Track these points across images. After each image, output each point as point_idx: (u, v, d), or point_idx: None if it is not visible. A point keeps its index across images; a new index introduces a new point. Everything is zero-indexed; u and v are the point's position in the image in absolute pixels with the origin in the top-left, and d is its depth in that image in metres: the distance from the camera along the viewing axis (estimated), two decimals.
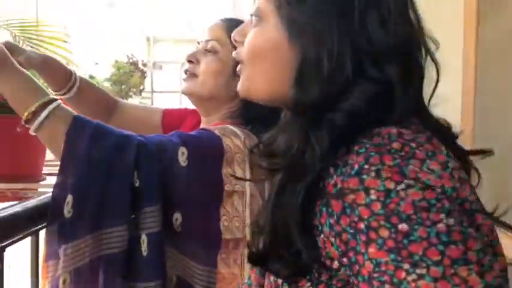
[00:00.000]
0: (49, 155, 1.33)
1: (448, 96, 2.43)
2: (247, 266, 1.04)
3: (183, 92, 1.20)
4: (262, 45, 0.65)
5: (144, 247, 0.92)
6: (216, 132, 1.05)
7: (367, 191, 0.50)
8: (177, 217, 0.97)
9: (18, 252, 1.00)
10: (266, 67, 0.65)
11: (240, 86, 0.69)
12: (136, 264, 0.92)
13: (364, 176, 0.51)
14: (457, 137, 0.69)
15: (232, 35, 0.72)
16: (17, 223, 0.78)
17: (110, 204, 0.91)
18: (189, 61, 1.18)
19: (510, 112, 1.91)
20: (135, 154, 0.93)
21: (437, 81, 0.71)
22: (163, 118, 1.33)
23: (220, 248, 1.01)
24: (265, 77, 0.65)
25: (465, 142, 2.21)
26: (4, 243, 0.75)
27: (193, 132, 1.08)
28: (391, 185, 0.50)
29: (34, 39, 1.41)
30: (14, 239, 0.78)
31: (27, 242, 0.94)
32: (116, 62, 1.93)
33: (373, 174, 0.50)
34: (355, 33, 0.59)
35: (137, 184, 0.93)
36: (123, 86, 1.83)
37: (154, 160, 0.95)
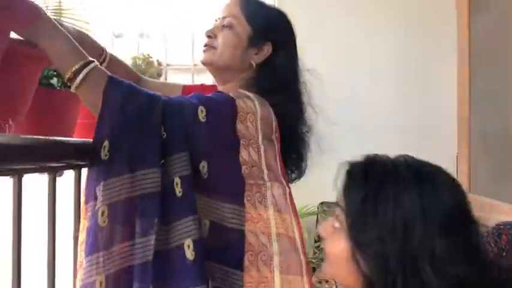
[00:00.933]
0: None
1: (443, 87, 2.59)
2: (270, 207, 1.16)
3: (203, 62, 1.32)
4: (334, 255, 0.80)
5: (178, 189, 1.03)
6: (231, 94, 1.18)
7: None
8: (204, 165, 1.09)
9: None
10: (339, 271, 0.79)
11: (324, 273, 0.85)
12: (173, 205, 1.03)
13: None
14: None
15: (318, 230, 0.91)
16: (67, 151, 0.90)
17: (141, 150, 1.02)
18: (208, 36, 1.31)
19: (503, 99, 2.03)
20: (161, 110, 1.06)
21: None
22: (183, 92, 1.46)
23: (244, 187, 1.12)
24: (339, 277, 0.81)
25: (462, 128, 2.34)
26: (56, 165, 0.87)
27: (209, 95, 1.21)
28: None
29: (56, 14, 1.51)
30: (63, 164, 0.90)
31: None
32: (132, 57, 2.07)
33: None
34: (407, 273, 0.70)
35: (164, 136, 1.05)
36: None
37: (177, 116, 1.08)
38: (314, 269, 2.37)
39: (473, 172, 2.38)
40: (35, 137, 0.78)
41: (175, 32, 2.96)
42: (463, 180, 2.42)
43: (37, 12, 0.95)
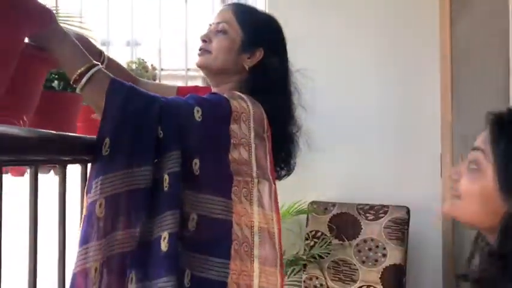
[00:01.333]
0: None
1: (428, 90, 2.69)
2: (255, 203, 1.23)
3: (198, 65, 1.39)
4: (472, 193, 0.88)
5: (166, 184, 1.09)
6: (225, 95, 1.25)
7: None
8: (196, 161, 1.15)
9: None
10: (474, 208, 0.88)
11: (453, 211, 0.93)
12: (159, 199, 1.09)
13: None
14: None
15: (450, 173, 1.01)
16: (76, 146, 0.97)
17: (138, 148, 1.08)
18: (203, 40, 1.38)
19: (484, 102, 2.13)
20: (159, 111, 1.12)
21: None
22: (178, 93, 1.53)
23: (232, 183, 1.19)
24: (472, 214, 0.89)
25: (445, 129, 2.44)
26: (67, 159, 0.94)
27: (205, 96, 1.28)
28: None
29: None
30: (73, 158, 0.97)
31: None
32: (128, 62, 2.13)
33: None
34: None
35: (161, 135, 1.11)
36: None
37: (174, 116, 1.15)
38: (305, 266, 2.44)
39: None
40: (50, 131, 0.85)
41: (167, 39, 3.03)
42: (447, 179, 2.52)
43: (51, 16, 1.01)
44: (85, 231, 1.03)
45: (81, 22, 1.69)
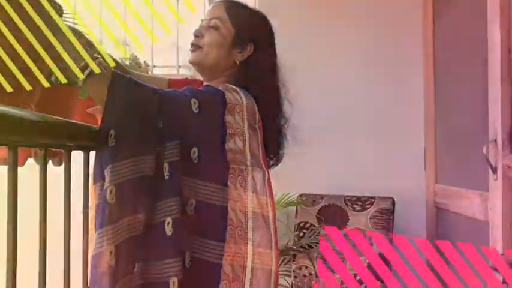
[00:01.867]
0: None
1: (412, 87, 2.79)
2: (249, 189, 1.31)
3: (190, 62, 1.45)
4: None
5: (166, 172, 1.16)
6: (220, 87, 1.32)
7: None
8: (194, 150, 1.23)
9: None
10: None
11: None
12: (161, 186, 1.16)
13: None
14: None
15: None
16: (78, 132, 1.04)
17: (140, 138, 1.15)
18: (196, 35, 1.44)
19: (464, 98, 2.22)
20: (158, 103, 1.19)
21: None
22: (169, 85, 1.59)
23: (229, 171, 1.27)
24: None
25: (428, 125, 2.53)
26: (71, 144, 1.01)
27: (201, 88, 1.35)
28: None
29: None
30: (76, 144, 1.03)
31: None
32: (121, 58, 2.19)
33: None
34: None
35: (160, 126, 1.18)
36: None
37: (172, 108, 1.21)
38: (295, 256, 2.52)
39: (439, 164, 2.56)
40: (59, 118, 0.92)
41: (158, 38, 3.09)
42: (430, 171, 2.61)
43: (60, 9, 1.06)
44: (100, 217, 1.08)
45: (74, 19, 1.74)
